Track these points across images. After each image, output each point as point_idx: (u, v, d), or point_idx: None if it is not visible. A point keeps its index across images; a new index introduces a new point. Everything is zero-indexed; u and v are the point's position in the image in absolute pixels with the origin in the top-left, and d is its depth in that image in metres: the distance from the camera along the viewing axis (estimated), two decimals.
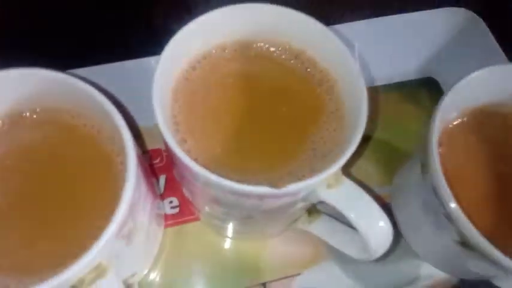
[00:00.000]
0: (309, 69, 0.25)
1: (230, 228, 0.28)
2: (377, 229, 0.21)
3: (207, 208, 0.25)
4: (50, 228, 0.21)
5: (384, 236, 0.22)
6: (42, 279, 0.17)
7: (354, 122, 0.22)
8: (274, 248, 0.29)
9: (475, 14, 0.37)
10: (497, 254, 0.21)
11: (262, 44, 0.26)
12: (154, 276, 0.28)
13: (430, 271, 0.29)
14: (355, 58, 0.24)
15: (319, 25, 0.24)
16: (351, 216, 0.21)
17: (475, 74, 0.24)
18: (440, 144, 0.25)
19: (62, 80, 0.21)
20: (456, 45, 0.37)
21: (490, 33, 0.36)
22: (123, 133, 0.20)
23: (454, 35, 0.37)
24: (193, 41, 0.24)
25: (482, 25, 0.37)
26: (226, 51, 0.25)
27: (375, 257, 0.23)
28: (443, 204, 0.22)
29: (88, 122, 0.23)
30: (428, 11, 0.39)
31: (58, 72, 0.21)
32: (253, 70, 0.25)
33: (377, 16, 0.37)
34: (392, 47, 0.36)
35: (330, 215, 0.27)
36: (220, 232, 0.29)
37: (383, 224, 0.21)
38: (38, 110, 0.23)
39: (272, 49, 0.26)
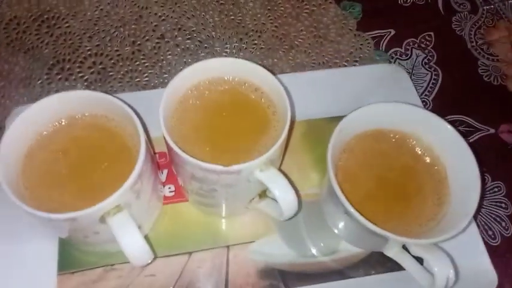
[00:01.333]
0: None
1: (206, 204, 0.41)
2: (287, 198, 0.34)
3: (189, 185, 0.39)
4: (90, 186, 0.35)
5: (291, 203, 0.34)
6: None
7: None
8: (237, 222, 0.42)
9: (401, 69, 0.51)
10: (362, 219, 0.33)
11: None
12: (153, 234, 0.41)
13: (346, 246, 0.41)
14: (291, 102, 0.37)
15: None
16: (273, 190, 0.34)
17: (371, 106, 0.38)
18: (343, 151, 0.38)
19: (103, 97, 0.36)
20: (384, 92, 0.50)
21: (412, 85, 0.50)
22: (139, 131, 0.34)
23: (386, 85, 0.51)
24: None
25: (407, 78, 0.51)
26: None
27: (287, 217, 0.35)
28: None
29: (118, 124, 0.37)
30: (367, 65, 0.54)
31: (100, 92, 0.36)
32: None
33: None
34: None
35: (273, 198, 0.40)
36: (201, 209, 0.42)
37: (291, 195, 0.34)
38: (86, 114, 0.38)
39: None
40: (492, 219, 0.47)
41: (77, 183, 0.35)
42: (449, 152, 0.38)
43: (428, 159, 0.39)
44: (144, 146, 0.33)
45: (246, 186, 0.37)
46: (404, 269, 0.39)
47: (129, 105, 0.36)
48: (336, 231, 0.41)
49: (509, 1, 0.61)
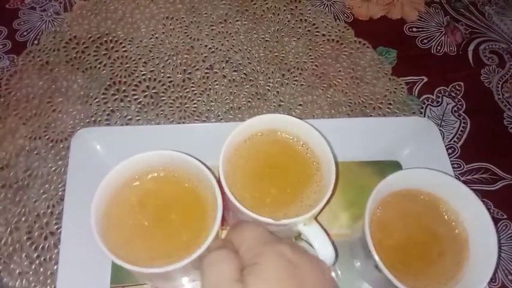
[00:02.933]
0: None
1: None
2: (326, 253, 0.39)
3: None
4: (175, 238, 0.39)
5: (330, 258, 0.39)
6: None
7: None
8: None
9: (432, 122, 0.55)
10: (390, 277, 0.37)
11: None
12: None
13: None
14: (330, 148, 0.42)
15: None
16: (314, 244, 0.39)
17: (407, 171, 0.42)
18: (378, 208, 0.42)
19: (180, 156, 0.39)
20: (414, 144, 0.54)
21: (441, 139, 0.54)
22: (217, 193, 0.37)
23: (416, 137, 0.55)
24: None
25: (437, 132, 0.54)
26: None
27: None
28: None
29: (194, 183, 0.41)
30: (401, 117, 0.58)
31: (177, 152, 0.39)
32: None
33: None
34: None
35: (306, 241, 0.45)
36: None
37: (330, 251, 0.39)
38: (161, 172, 0.41)
39: None
40: None
41: (161, 237, 0.39)
42: (473, 219, 0.42)
43: (453, 223, 0.43)
44: (220, 212, 0.37)
45: (288, 233, 0.41)
46: None
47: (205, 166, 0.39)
48: (361, 276, 0.45)
49: None
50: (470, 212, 0.42)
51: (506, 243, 0.52)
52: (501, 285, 0.50)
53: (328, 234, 0.40)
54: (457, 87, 0.62)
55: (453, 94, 0.61)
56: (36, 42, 0.60)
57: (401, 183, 0.43)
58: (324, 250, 0.39)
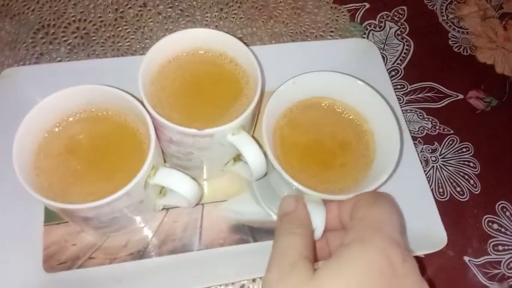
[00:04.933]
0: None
1: (184, 167, 0.44)
2: (256, 160, 0.38)
3: (168, 149, 0.42)
4: (105, 172, 0.37)
5: (260, 165, 0.38)
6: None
7: None
8: (212, 183, 0.46)
9: (372, 43, 0.54)
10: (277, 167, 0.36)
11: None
12: None
13: None
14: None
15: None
16: (243, 152, 0.37)
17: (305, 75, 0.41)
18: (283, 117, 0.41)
19: (104, 89, 0.37)
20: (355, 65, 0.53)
21: (380, 58, 0.53)
22: (147, 120, 0.35)
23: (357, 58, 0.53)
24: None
25: (376, 51, 0.53)
26: None
27: (257, 178, 0.39)
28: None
29: (132, 119, 0.39)
30: (340, 39, 0.56)
31: (100, 85, 0.37)
32: None
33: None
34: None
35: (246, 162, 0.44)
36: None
37: (260, 157, 0.37)
38: (93, 109, 0.39)
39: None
40: (461, 177, 0.50)
41: (94, 173, 0.37)
42: (377, 116, 0.41)
43: (357, 122, 0.42)
44: (154, 143, 0.35)
45: (220, 149, 0.40)
46: None
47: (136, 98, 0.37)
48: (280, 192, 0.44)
49: None
50: (372, 108, 0.41)
51: (453, 157, 0.52)
52: (450, 197, 0.49)
53: (260, 146, 0.39)
54: (400, 11, 0.61)
55: (396, 18, 0.60)
56: None
57: (301, 92, 0.42)
58: (253, 157, 0.37)
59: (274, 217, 0.45)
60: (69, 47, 0.54)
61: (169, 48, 0.41)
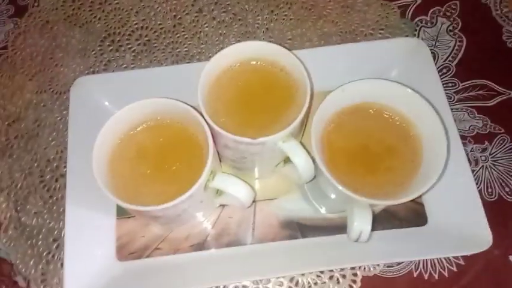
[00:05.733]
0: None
1: (238, 168, 0.48)
2: (305, 166, 0.41)
3: (223, 153, 0.45)
4: (171, 175, 0.41)
5: (309, 170, 0.41)
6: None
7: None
8: (264, 182, 0.49)
9: (421, 41, 0.54)
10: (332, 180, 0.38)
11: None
12: None
13: None
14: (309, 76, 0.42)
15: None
16: (293, 158, 0.41)
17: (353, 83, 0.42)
18: (330, 123, 0.43)
19: (169, 102, 0.41)
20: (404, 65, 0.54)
21: (431, 57, 0.53)
22: (206, 129, 0.40)
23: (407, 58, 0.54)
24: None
25: (427, 50, 0.53)
26: None
27: (305, 181, 0.42)
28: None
29: (192, 127, 0.43)
30: (389, 39, 0.57)
31: (165, 98, 0.41)
32: None
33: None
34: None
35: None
36: (234, 171, 0.49)
37: (308, 163, 0.40)
38: (159, 117, 0.43)
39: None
40: (510, 177, 0.51)
41: (158, 179, 0.41)
42: (424, 122, 0.42)
43: (405, 127, 0.43)
44: (211, 150, 0.39)
45: (271, 154, 0.43)
46: (407, 227, 0.45)
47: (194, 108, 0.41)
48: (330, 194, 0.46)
49: None
50: (421, 115, 0.42)
51: (503, 156, 0.52)
52: (498, 197, 0.50)
53: (308, 152, 0.41)
54: (452, 6, 0.60)
55: (448, 14, 0.60)
56: (36, 4, 0.63)
57: (351, 97, 0.43)
58: (303, 163, 0.40)
59: (323, 213, 0.48)
60: (133, 54, 0.58)
61: (224, 60, 0.44)
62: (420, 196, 0.47)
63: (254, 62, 0.45)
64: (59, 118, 0.55)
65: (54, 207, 0.51)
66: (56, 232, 0.50)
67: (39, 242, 0.49)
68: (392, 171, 0.42)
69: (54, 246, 0.49)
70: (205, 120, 0.40)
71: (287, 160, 0.47)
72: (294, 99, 0.44)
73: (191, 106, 0.41)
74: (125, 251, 0.47)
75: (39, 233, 0.50)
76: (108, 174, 0.41)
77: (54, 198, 0.51)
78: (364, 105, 0.44)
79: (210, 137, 0.40)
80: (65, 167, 0.52)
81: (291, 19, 0.60)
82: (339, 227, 0.47)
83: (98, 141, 0.40)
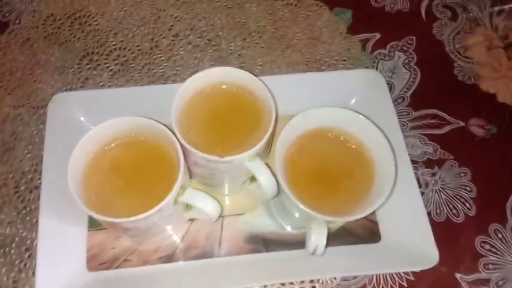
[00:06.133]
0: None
1: (208, 184, 0.51)
2: (268, 184, 0.44)
3: (194, 169, 0.49)
4: (143, 189, 0.44)
5: (272, 188, 0.44)
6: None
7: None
8: (232, 199, 0.52)
9: (378, 73, 0.59)
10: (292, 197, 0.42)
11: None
12: None
13: None
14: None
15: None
16: (257, 177, 0.44)
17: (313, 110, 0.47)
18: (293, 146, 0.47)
19: (143, 120, 0.44)
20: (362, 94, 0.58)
21: (386, 88, 0.58)
22: (177, 146, 0.42)
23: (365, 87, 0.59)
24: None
25: (383, 82, 0.58)
26: None
27: (269, 198, 0.45)
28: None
29: (164, 144, 0.45)
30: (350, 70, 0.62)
31: (140, 117, 0.44)
32: None
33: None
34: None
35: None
36: (204, 187, 0.52)
37: (272, 181, 0.44)
38: (133, 134, 0.46)
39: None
40: (457, 200, 0.56)
41: (131, 193, 0.44)
42: (375, 146, 0.46)
43: (359, 151, 0.47)
44: (182, 167, 0.42)
45: (238, 172, 0.46)
46: (362, 243, 0.49)
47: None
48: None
49: (487, 10, 0.67)
50: (372, 140, 0.46)
51: (452, 180, 0.57)
52: (446, 218, 0.54)
53: (272, 171, 0.45)
54: (409, 41, 0.66)
55: (405, 48, 0.65)
56: (17, 21, 0.65)
57: (310, 122, 0.47)
58: (266, 181, 0.44)
59: (287, 229, 0.51)
60: (110, 73, 0.61)
61: (198, 82, 0.48)
62: (374, 214, 0.52)
63: (225, 86, 0.49)
64: (35, 132, 0.57)
65: (28, 218, 0.52)
66: (28, 241, 0.51)
67: (12, 251, 0.51)
68: (348, 191, 0.46)
69: (26, 255, 0.50)
70: (177, 138, 0.43)
71: (253, 178, 0.50)
72: (260, 122, 0.47)
73: (164, 125, 0.44)
74: (95, 262, 0.49)
75: (12, 242, 0.51)
76: (82, 187, 0.43)
77: (28, 208, 0.53)
78: (323, 130, 0.48)
79: (181, 154, 0.43)
80: (39, 179, 0.54)
81: (261, 47, 0.64)
82: (300, 242, 0.50)
83: (74, 154, 0.43)
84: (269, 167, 0.45)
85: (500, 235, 0.53)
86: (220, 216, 0.50)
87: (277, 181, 0.44)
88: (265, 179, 0.44)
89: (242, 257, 0.50)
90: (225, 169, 0.45)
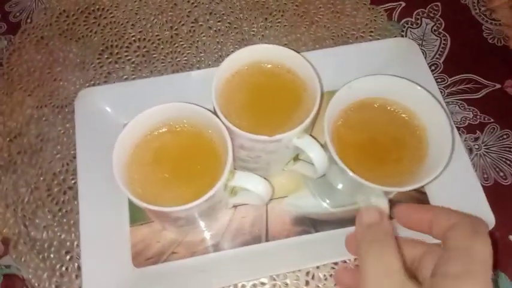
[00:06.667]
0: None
1: (250, 168, 0.49)
2: (321, 159, 0.42)
3: (237, 154, 0.46)
4: (189, 178, 0.42)
5: (324, 163, 0.42)
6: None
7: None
8: (274, 181, 0.50)
9: (412, 41, 0.57)
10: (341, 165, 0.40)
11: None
12: None
13: None
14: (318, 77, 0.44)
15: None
16: (309, 153, 0.42)
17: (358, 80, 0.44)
18: (339, 119, 0.45)
19: (184, 106, 0.42)
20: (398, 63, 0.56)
21: (421, 55, 0.56)
22: (224, 133, 0.40)
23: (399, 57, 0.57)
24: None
25: (417, 49, 0.57)
26: None
27: (321, 174, 0.44)
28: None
29: (207, 130, 0.43)
30: (382, 40, 0.60)
31: (181, 103, 0.42)
32: None
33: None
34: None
35: (305, 161, 0.48)
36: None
37: (323, 156, 0.42)
38: (172, 122, 0.44)
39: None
40: (503, 162, 0.54)
41: (177, 183, 0.42)
42: (427, 113, 0.44)
43: (408, 118, 0.45)
44: (230, 148, 0.40)
45: (285, 152, 0.45)
46: None
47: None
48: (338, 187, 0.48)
49: None
50: (424, 108, 0.44)
51: (495, 144, 0.55)
52: (494, 182, 0.53)
53: (321, 145, 0.43)
54: (434, 7, 0.64)
55: (431, 14, 0.64)
56: (29, 20, 0.63)
57: (357, 93, 0.45)
58: (318, 156, 0.42)
59: (330, 209, 0.50)
60: (133, 65, 0.59)
61: (232, 64, 0.46)
62: (423, 186, 0.50)
63: (261, 65, 0.47)
64: (62, 131, 0.55)
65: (64, 220, 0.50)
66: (68, 244, 0.49)
67: (51, 255, 0.49)
68: (399, 162, 0.44)
69: (67, 258, 0.49)
70: (222, 121, 0.41)
71: (296, 158, 0.49)
72: (302, 99, 0.46)
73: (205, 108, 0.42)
74: (141, 258, 0.47)
75: (50, 246, 0.49)
76: (128, 180, 0.41)
77: (64, 210, 0.51)
78: (369, 100, 0.46)
79: (228, 137, 0.41)
80: (72, 179, 0.52)
81: (285, 25, 0.62)
82: (347, 220, 0.49)
83: (117, 147, 0.41)
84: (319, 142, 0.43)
85: None
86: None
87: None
88: (317, 154, 0.42)
89: (291, 239, 0.49)
90: (272, 149, 0.43)
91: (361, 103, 0.46)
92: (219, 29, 0.62)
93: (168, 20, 0.62)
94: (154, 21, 0.62)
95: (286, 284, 0.47)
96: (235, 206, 0.50)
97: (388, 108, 0.46)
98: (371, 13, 0.63)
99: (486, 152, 0.54)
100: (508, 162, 0.54)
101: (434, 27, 0.62)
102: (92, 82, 0.58)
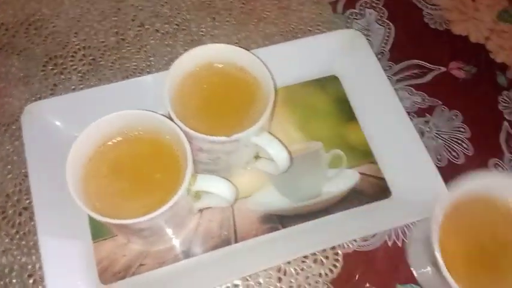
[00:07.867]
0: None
1: (210, 170, 0.49)
2: (282, 155, 0.42)
3: (195, 157, 0.46)
4: (149, 187, 0.41)
5: (285, 159, 0.43)
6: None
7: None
8: (239, 180, 0.50)
9: (357, 32, 0.59)
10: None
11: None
12: None
13: (327, 190, 0.50)
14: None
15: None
16: (269, 150, 0.42)
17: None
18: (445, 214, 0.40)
19: (138, 113, 0.41)
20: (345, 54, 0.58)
21: (368, 45, 0.58)
22: (185, 143, 0.40)
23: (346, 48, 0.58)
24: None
25: (363, 39, 0.58)
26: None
27: (282, 171, 0.44)
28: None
29: (164, 136, 0.42)
30: (329, 32, 0.61)
31: (134, 110, 0.41)
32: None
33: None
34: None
35: (265, 158, 0.49)
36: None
37: (284, 152, 0.42)
38: (126, 130, 0.42)
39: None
40: (454, 142, 0.56)
41: (137, 193, 0.41)
42: None
43: None
44: (190, 159, 0.39)
45: (245, 151, 0.45)
46: (374, 201, 0.49)
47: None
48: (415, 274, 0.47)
49: None
50: None
51: (445, 125, 0.57)
52: (448, 162, 0.55)
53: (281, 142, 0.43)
54: None
55: (374, 4, 0.65)
56: None
57: (468, 190, 0.41)
58: (278, 153, 0.42)
59: (294, 204, 0.50)
60: (80, 75, 0.57)
61: (183, 66, 0.45)
62: (379, 171, 0.52)
63: (214, 65, 0.47)
64: (11, 150, 0.52)
65: (23, 242, 0.48)
66: (29, 267, 0.47)
67: (13, 280, 0.46)
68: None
69: (30, 282, 0.47)
70: (177, 125, 0.41)
71: (257, 156, 0.49)
72: (256, 96, 0.46)
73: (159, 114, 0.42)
74: (108, 274, 0.46)
75: (11, 271, 0.47)
76: (84, 195, 0.40)
77: (21, 232, 0.49)
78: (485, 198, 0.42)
79: (186, 141, 0.40)
80: (27, 199, 0.50)
81: (233, 24, 0.62)
82: (313, 213, 0.50)
83: (69, 162, 0.39)
84: (278, 139, 0.43)
85: (500, 169, 0.55)
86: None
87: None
88: (276, 151, 0.42)
89: (260, 238, 0.49)
90: (231, 149, 0.43)
91: (475, 200, 0.41)
92: (166, 32, 0.61)
93: (113, 26, 0.61)
94: (97, 28, 0.60)
95: (260, 283, 0.48)
96: (201, 210, 0.49)
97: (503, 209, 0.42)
98: (316, 7, 0.64)
99: (437, 133, 0.56)
100: (459, 141, 0.56)
101: (378, 17, 0.64)
102: (38, 96, 0.56)
